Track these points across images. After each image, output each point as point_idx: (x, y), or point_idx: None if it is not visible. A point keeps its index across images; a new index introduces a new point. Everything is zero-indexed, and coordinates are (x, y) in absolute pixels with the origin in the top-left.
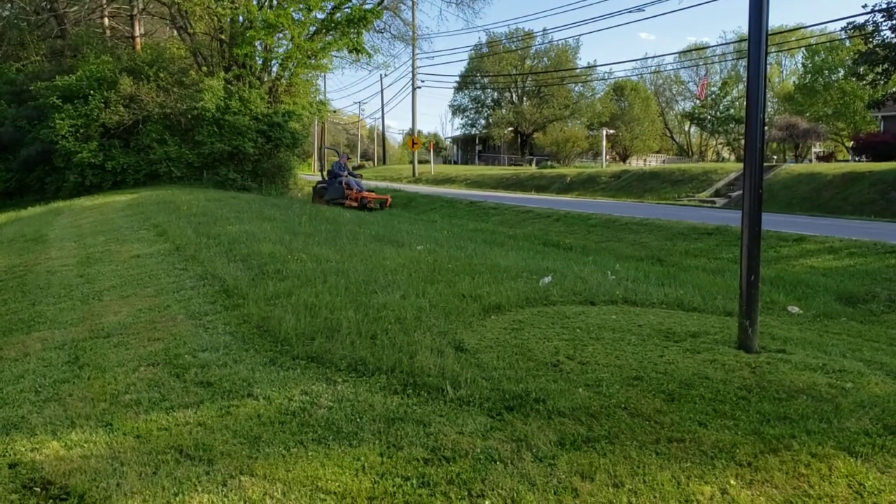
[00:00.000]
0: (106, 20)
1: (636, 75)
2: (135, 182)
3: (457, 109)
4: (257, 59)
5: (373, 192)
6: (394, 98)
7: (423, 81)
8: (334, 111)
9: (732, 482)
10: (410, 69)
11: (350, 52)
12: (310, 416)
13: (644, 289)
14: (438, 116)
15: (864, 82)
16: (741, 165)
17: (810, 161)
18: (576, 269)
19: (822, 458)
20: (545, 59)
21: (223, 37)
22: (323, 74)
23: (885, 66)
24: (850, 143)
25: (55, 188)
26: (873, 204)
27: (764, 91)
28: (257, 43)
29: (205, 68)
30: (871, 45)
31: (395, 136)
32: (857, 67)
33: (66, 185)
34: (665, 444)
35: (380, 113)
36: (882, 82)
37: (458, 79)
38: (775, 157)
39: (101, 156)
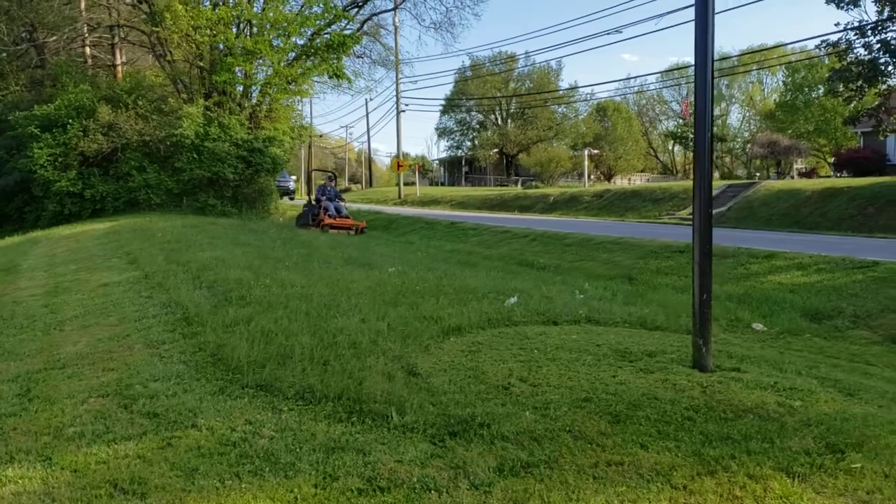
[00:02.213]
0: (87, 49)
1: (619, 96)
2: (114, 210)
3: (443, 132)
4: (237, 85)
5: (349, 217)
6: (380, 121)
7: (406, 105)
8: (321, 136)
9: None
10: (395, 93)
11: (331, 77)
12: (250, 446)
13: (609, 308)
14: (425, 139)
15: (840, 99)
16: (721, 183)
17: (792, 178)
18: (544, 289)
19: (758, 479)
20: (528, 81)
21: (202, 64)
22: (308, 99)
23: (860, 83)
24: (832, 160)
25: (34, 217)
26: (851, 219)
27: (711, 113)
28: (237, 70)
29: (184, 95)
30: (844, 63)
31: (383, 159)
32: (832, 84)
33: (46, 215)
34: (604, 468)
35: (367, 136)
36: (857, 98)
37: (442, 102)
38: (758, 175)
39: (79, 184)
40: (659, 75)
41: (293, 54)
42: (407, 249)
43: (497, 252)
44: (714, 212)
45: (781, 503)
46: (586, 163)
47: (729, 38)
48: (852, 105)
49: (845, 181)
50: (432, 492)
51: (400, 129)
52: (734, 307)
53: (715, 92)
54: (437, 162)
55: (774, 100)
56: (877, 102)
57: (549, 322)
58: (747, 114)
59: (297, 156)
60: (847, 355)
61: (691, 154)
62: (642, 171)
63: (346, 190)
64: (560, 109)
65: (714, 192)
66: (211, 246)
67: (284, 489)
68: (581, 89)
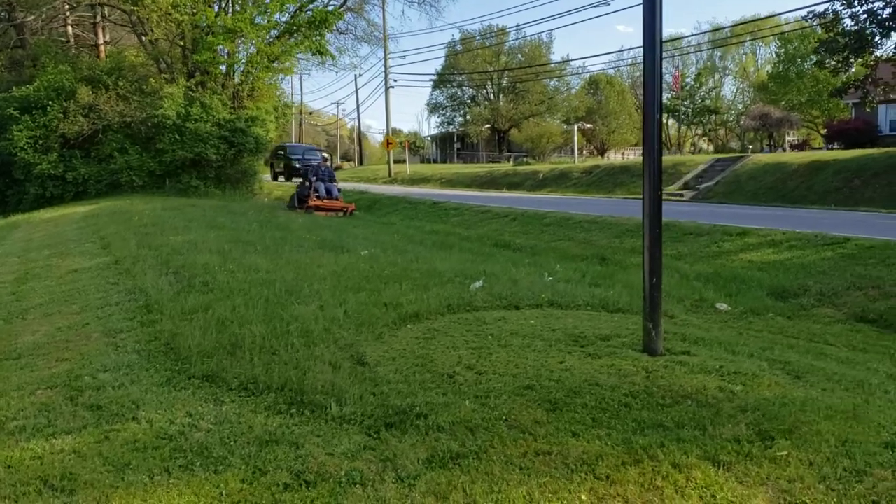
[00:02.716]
0: (70, 29)
1: (613, 69)
2: (96, 192)
3: (434, 108)
4: (220, 65)
5: (339, 199)
6: (369, 97)
7: (395, 81)
8: (310, 113)
9: (584, 497)
10: (384, 69)
11: (314, 54)
12: (186, 440)
13: (574, 290)
14: (415, 115)
15: (827, 70)
16: (709, 157)
17: (784, 150)
18: (514, 271)
19: (683, 468)
20: (519, 55)
21: (183, 43)
22: (298, 76)
23: (846, 53)
24: (824, 131)
25: (16, 201)
26: (837, 192)
27: (660, 93)
28: (220, 49)
29: (167, 75)
30: (831, 34)
31: (376, 136)
32: (820, 56)
33: (27, 198)
34: (532, 459)
35: (357, 113)
36: (844, 70)
37: (433, 77)
38: (751, 147)
39: (61, 167)
40: None
41: (276, 32)
42: (386, 231)
43: (476, 233)
44: (702, 186)
45: (702, 493)
46: (576, 138)
47: (723, 9)
48: (845, 76)
49: (832, 154)
50: (357, 486)
51: (389, 105)
52: (701, 286)
53: (708, 63)
54: (429, 139)
55: (768, 71)
56: (864, 74)
57: (510, 306)
58: (741, 85)
59: (289, 133)
60: (807, 335)
61: (685, 127)
62: (636, 145)
63: (338, 168)
64: (552, 83)
65: (702, 167)
66: (186, 229)
67: (211, 484)
68: (573, 62)
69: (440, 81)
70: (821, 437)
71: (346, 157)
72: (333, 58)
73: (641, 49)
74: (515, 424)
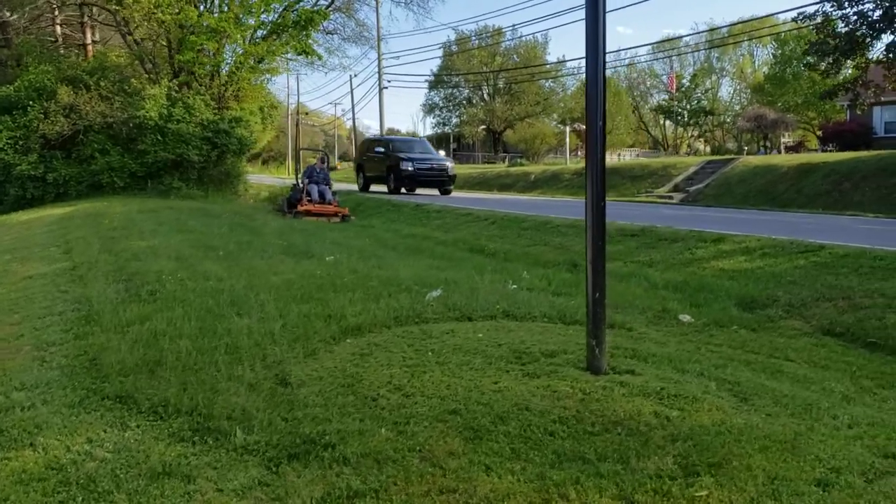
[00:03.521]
0: (58, 28)
1: (611, 69)
2: (77, 194)
3: (430, 108)
4: (204, 65)
5: (332, 203)
6: (365, 97)
7: (389, 82)
8: (307, 113)
9: None
10: (378, 69)
11: (299, 54)
12: (76, 470)
13: (534, 300)
14: (410, 115)
15: (817, 73)
16: (700, 159)
17: (779, 151)
18: (477, 279)
19: None
20: (515, 56)
21: (165, 43)
22: (296, 77)
23: (836, 55)
24: (819, 133)
25: None
26: (827, 195)
27: (603, 101)
28: (204, 48)
29: (152, 75)
30: (821, 35)
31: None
32: (810, 58)
33: (7, 199)
34: (434, 497)
35: (357, 112)
36: (834, 72)
37: (427, 78)
38: (746, 149)
39: (41, 168)
40: (650, 48)
41: (263, 32)
42: (361, 234)
43: (452, 237)
44: (692, 189)
45: None
46: (568, 140)
47: (721, 10)
48: (836, 78)
49: (821, 157)
50: None
51: (382, 106)
52: (668, 296)
53: (705, 65)
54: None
55: (764, 72)
56: (854, 77)
57: (463, 318)
58: (738, 87)
59: (285, 133)
60: (769, 349)
61: (682, 129)
62: (632, 146)
63: (334, 169)
64: (548, 84)
65: (693, 169)
66: (153, 233)
67: None
68: (569, 63)
69: (436, 82)
70: (750, 472)
71: (344, 157)
72: (320, 58)
73: (629, 51)
74: (429, 456)
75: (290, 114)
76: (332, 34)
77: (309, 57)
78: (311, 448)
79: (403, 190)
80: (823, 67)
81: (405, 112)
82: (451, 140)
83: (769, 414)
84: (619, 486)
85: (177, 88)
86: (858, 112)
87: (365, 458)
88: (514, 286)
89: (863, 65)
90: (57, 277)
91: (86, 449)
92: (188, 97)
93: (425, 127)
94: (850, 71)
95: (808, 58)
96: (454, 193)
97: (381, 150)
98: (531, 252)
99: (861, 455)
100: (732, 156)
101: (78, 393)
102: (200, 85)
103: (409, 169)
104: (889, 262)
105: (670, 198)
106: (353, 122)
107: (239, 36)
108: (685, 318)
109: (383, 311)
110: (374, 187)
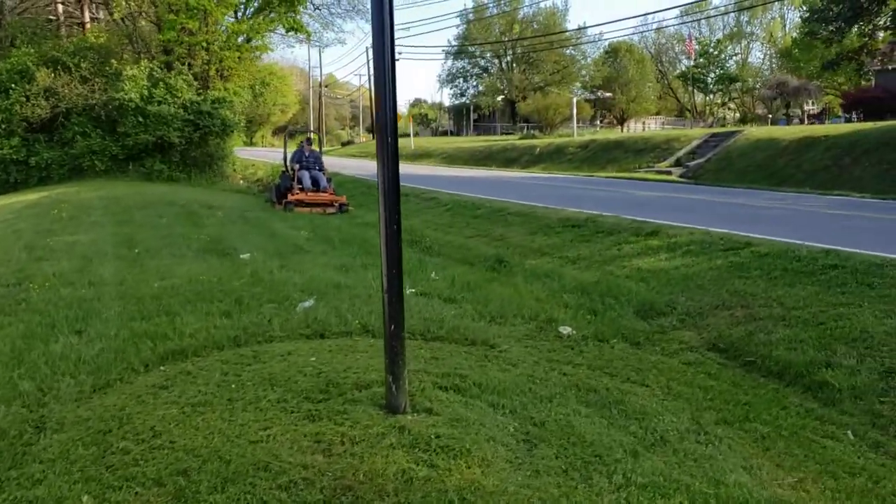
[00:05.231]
0: (60, 7)
1: (637, 34)
2: (59, 177)
3: (446, 79)
4: (187, 44)
5: (327, 190)
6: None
7: (400, 53)
8: (326, 86)
9: None
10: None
11: (288, 31)
12: None
13: (410, 311)
14: (429, 87)
15: (819, 40)
16: (705, 132)
17: (801, 121)
18: (374, 284)
19: None
20: (534, 23)
21: (144, 22)
22: (318, 49)
23: (839, 23)
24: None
25: None
26: (826, 171)
27: (393, 81)
28: (185, 27)
29: (137, 55)
30: (823, 2)
31: (402, 109)
32: (811, 25)
33: None
34: None
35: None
36: (837, 40)
37: (444, 48)
38: (770, 117)
39: (24, 151)
40: (678, 11)
41: (249, 10)
42: (302, 225)
43: (403, 225)
44: (692, 164)
45: None
46: (574, 111)
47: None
48: (833, 47)
49: (824, 129)
50: None
51: (395, 78)
52: (571, 301)
53: (734, 29)
54: (443, 111)
55: (794, 37)
56: (860, 44)
57: (315, 335)
58: (768, 52)
59: (307, 104)
60: (632, 370)
61: (710, 96)
62: (657, 114)
63: (349, 143)
64: (568, 51)
65: (696, 143)
66: (92, 226)
67: None
68: (590, 30)
69: (453, 53)
70: None
71: (370, 130)
72: (308, 34)
73: (656, 14)
74: None
75: (312, 87)
76: (319, 9)
77: (298, 34)
78: None
79: (409, 165)
80: (825, 35)
81: (427, 83)
82: (471, 111)
83: (537, 471)
84: None
85: (160, 68)
86: (864, 82)
87: None
88: (411, 290)
89: (868, 31)
90: None
91: None
92: (170, 78)
93: (442, 98)
94: (842, 39)
95: (810, 25)
96: (446, 172)
97: None
98: (468, 245)
99: None
100: (736, 128)
101: None
102: (183, 64)
103: None
104: (805, 263)
105: (669, 173)
106: (371, 94)
107: (220, 14)
108: (565, 330)
109: (226, 329)
110: None
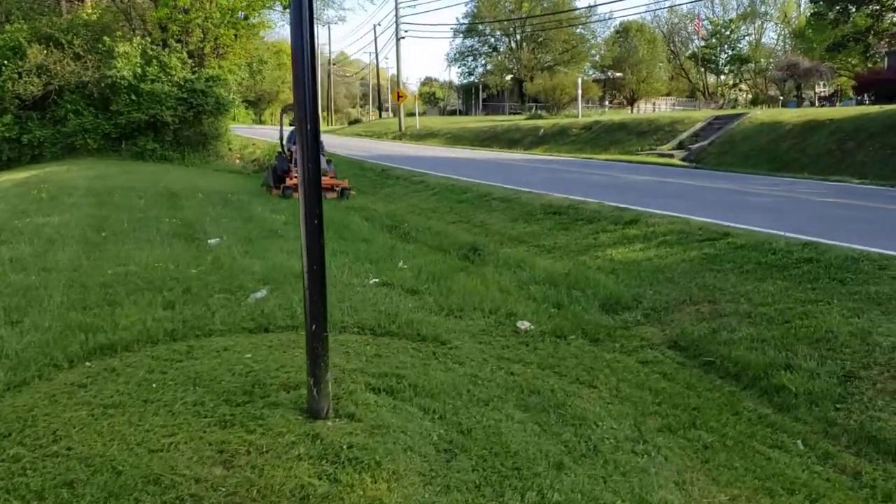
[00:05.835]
0: None
1: (650, 12)
2: (52, 156)
3: (455, 58)
4: (179, 21)
5: (328, 174)
6: (385, 47)
7: (406, 32)
8: (335, 64)
9: None
10: (395, 19)
11: (285, 8)
12: None
13: (364, 303)
14: (437, 65)
15: (825, 22)
16: (708, 114)
17: (811, 103)
18: (337, 273)
19: None
20: (544, 1)
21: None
22: (326, 26)
23: (844, 4)
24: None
25: None
26: (829, 155)
27: (313, 77)
28: (181, 4)
29: (134, 32)
30: None
31: (412, 87)
32: (817, 7)
33: None
34: None
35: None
36: (843, 21)
37: (453, 26)
38: (782, 99)
39: (16, 129)
40: None
41: None
42: (289, 209)
43: (386, 209)
44: (694, 146)
45: None
46: (580, 91)
47: None
48: (838, 29)
49: (829, 112)
50: None
51: (399, 56)
52: (538, 293)
53: (748, 9)
54: (453, 90)
55: (808, 16)
56: (867, 25)
57: (260, 329)
58: (782, 32)
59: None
60: (584, 369)
61: (722, 77)
62: (668, 95)
63: (356, 121)
64: (578, 30)
65: (700, 125)
66: (71, 207)
67: None
68: (600, 9)
69: (461, 31)
70: None
71: (382, 108)
72: None
73: None
74: None
75: (322, 64)
76: None
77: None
78: None
79: (398, 145)
80: (831, 18)
81: (435, 61)
82: (480, 90)
83: (448, 486)
84: None
85: (155, 45)
86: (870, 65)
87: None
88: (375, 281)
89: (875, 12)
90: None
91: None
92: (163, 55)
93: (450, 76)
94: (848, 20)
95: (816, 7)
96: (447, 153)
97: None
98: (446, 231)
99: None
100: (741, 110)
101: None
102: (177, 42)
103: None
104: (780, 256)
105: (671, 156)
106: (378, 73)
107: None
108: (523, 325)
109: (164, 322)
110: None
